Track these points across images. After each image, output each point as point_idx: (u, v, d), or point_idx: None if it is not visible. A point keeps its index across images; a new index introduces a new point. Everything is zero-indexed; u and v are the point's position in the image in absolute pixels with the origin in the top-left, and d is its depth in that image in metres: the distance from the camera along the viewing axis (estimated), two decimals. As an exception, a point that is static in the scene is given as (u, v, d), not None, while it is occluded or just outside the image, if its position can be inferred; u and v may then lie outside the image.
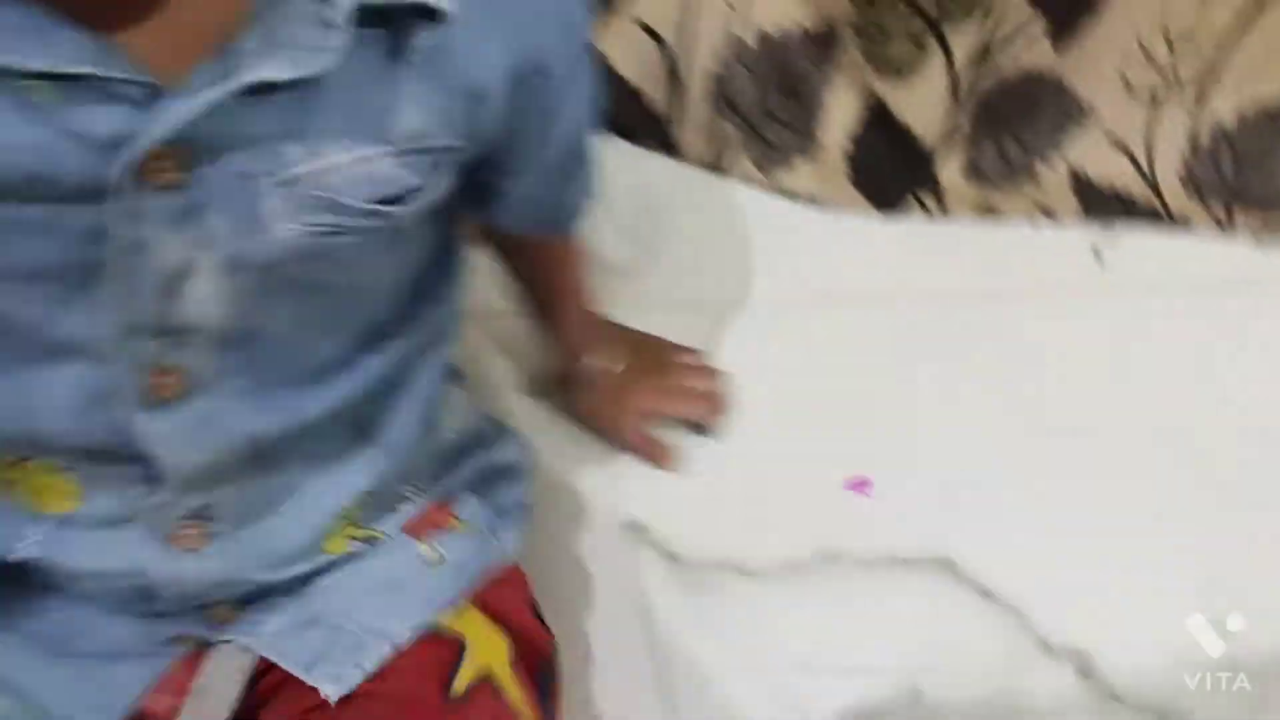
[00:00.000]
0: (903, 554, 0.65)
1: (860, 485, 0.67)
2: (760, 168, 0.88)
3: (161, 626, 0.53)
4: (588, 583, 0.68)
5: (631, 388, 0.71)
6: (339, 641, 0.54)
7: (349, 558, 0.56)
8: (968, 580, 0.64)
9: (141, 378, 0.46)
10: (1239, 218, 0.91)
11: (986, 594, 0.63)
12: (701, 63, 0.87)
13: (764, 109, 0.87)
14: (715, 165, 0.89)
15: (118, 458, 0.47)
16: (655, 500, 0.67)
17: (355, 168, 0.44)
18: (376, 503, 0.56)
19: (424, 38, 0.43)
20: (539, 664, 0.60)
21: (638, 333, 0.74)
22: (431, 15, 0.43)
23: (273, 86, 0.40)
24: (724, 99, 0.87)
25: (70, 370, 0.45)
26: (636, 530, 0.66)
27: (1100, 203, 0.90)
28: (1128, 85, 0.89)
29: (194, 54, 0.40)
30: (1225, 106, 0.90)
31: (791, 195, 0.88)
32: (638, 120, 0.89)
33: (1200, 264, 0.88)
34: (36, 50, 0.38)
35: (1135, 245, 0.87)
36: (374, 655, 0.54)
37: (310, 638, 0.54)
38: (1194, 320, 0.82)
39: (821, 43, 0.85)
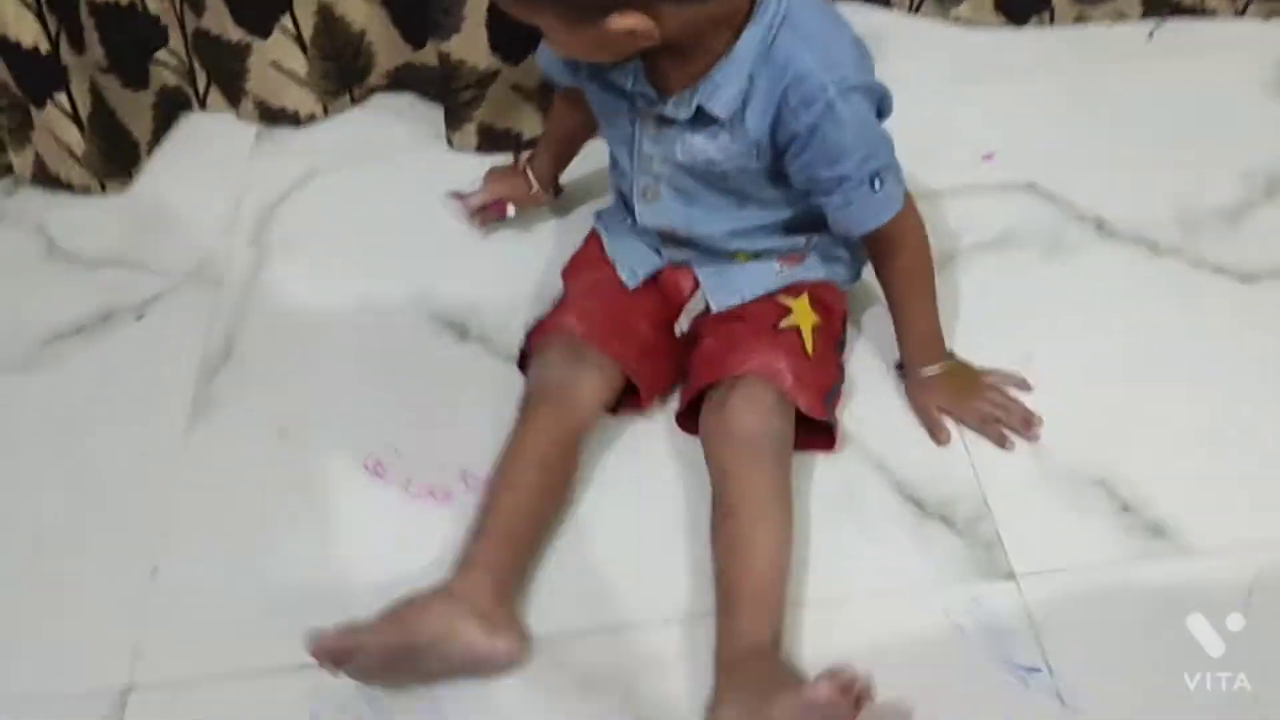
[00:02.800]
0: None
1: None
2: (939, 4, 1.48)
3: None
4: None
5: (937, 392, 1.03)
6: (724, 289, 1.10)
7: (743, 262, 1.06)
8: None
9: (641, 185, 1.01)
10: (1250, 6, 1.44)
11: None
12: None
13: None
14: (915, 10, 1.50)
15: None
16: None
17: (703, 150, 0.94)
18: (760, 249, 1.05)
19: (722, 120, 0.92)
20: (835, 337, 1.05)
21: (959, 363, 1.04)
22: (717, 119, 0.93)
23: (672, 119, 0.94)
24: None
25: (623, 179, 1.04)
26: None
27: (1155, 5, 1.45)
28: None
29: (667, 93, 0.93)
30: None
31: (962, 21, 1.48)
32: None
33: (1224, 32, 1.42)
34: (625, 79, 0.94)
35: (1175, 26, 1.43)
36: (733, 299, 1.04)
37: (717, 283, 1.09)
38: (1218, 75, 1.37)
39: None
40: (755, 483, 0.94)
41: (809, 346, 1.00)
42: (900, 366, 1.07)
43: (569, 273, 1.12)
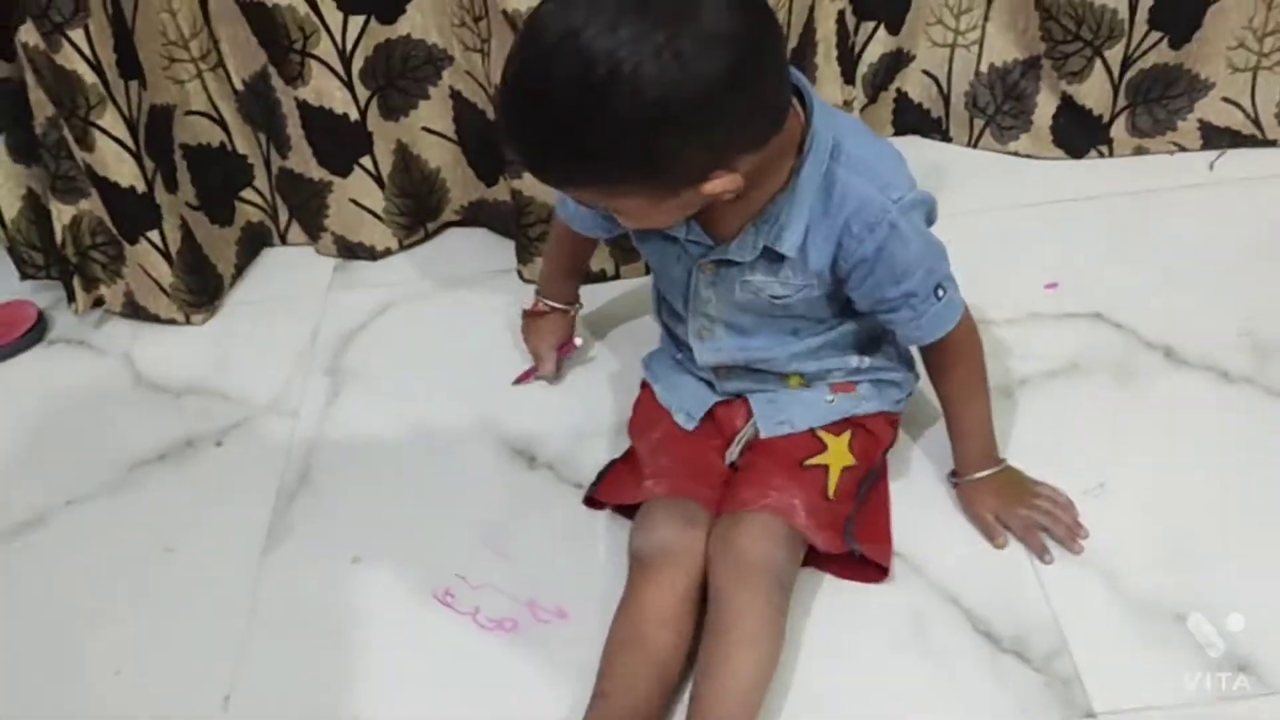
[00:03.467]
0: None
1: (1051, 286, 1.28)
2: (998, 140, 1.51)
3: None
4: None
5: (987, 495, 1.04)
6: (774, 418, 1.07)
7: (794, 389, 1.07)
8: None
9: (696, 327, 1.03)
10: (1312, 137, 1.46)
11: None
12: (960, 87, 1.51)
13: (999, 109, 1.50)
14: (974, 145, 1.53)
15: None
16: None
17: (767, 286, 0.95)
18: (812, 377, 1.06)
19: (789, 257, 0.93)
20: (866, 473, 1.04)
21: (1011, 470, 1.05)
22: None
23: (737, 263, 0.95)
24: (975, 104, 1.51)
25: (679, 322, 1.06)
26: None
27: (1216, 137, 1.47)
28: (1232, 66, 1.46)
29: (725, 239, 0.94)
30: (1299, 70, 1.45)
31: (1022, 155, 1.51)
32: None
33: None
34: (679, 229, 0.94)
35: (1235, 156, 1.44)
36: (783, 429, 1.05)
37: (769, 411, 1.11)
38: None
39: (1030, 65, 1.48)
40: (749, 608, 0.93)
41: (831, 488, 1.01)
42: (954, 475, 1.07)
43: (634, 430, 1.12)
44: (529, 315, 1.27)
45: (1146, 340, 1.21)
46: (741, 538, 0.97)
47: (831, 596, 1.01)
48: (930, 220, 0.96)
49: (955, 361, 1.01)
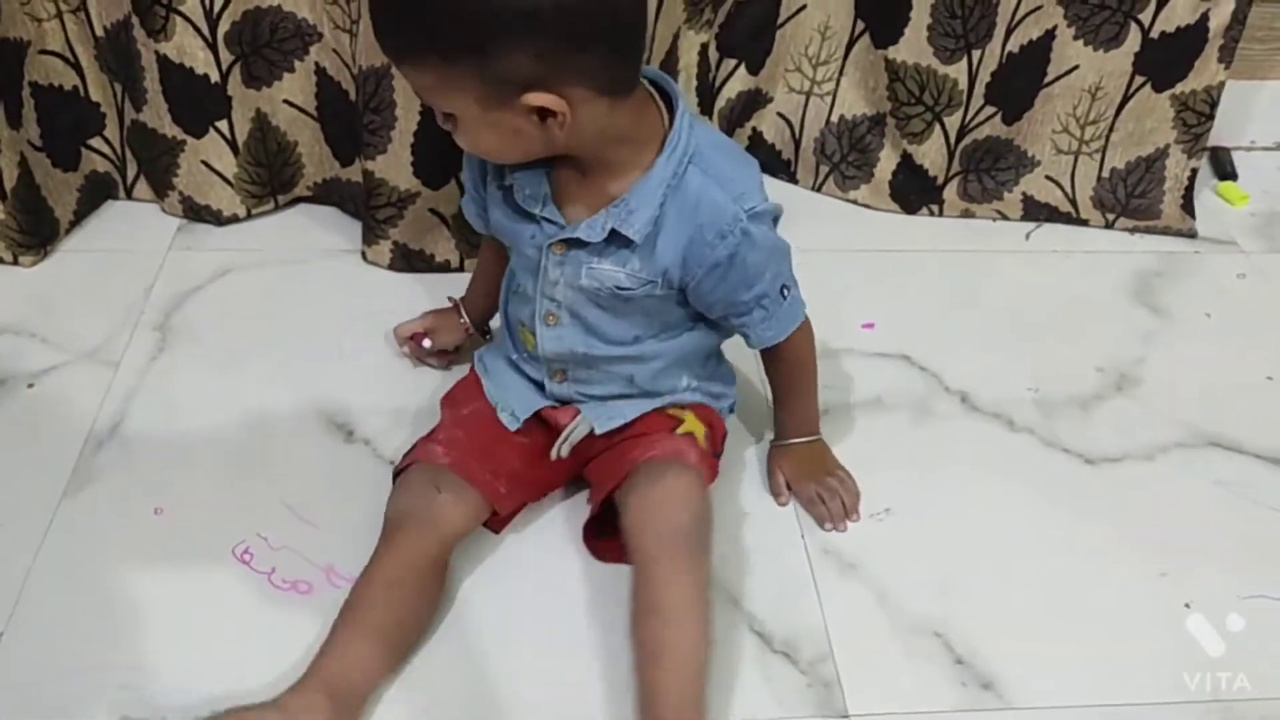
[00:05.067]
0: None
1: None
2: (840, 187, 1.60)
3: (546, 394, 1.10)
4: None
5: (787, 460, 1.14)
6: (604, 415, 1.06)
7: (624, 397, 1.08)
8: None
9: (542, 311, 1.02)
10: (1119, 221, 1.58)
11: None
12: (811, 133, 1.59)
13: (844, 159, 1.59)
14: (818, 189, 1.61)
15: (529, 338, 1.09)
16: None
17: (612, 275, 0.97)
18: (647, 390, 1.08)
19: (636, 243, 0.95)
20: (718, 442, 1.11)
21: (821, 446, 1.16)
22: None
23: (584, 243, 0.96)
24: (823, 151, 1.59)
25: (526, 304, 1.04)
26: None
27: (1035, 210, 1.58)
28: (1056, 147, 1.58)
29: (576, 220, 0.96)
30: (1116, 157, 1.58)
31: (860, 204, 1.59)
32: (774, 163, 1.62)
33: (1094, 241, 1.55)
34: (535, 204, 0.97)
35: (1051, 229, 1.56)
36: (614, 422, 1.06)
37: (599, 412, 1.12)
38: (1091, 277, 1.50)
39: (877, 122, 1.57)
40: (677, 579, 0.96)
41: (704, 445, 1.08)
42: (772, 442, 1.17)
43: (446, 401, 1.14)
44: (438, 312, 1.28)
45: (947, 385, 1.30)
46: (653, 502, 1.00)
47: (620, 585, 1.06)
48: (776, 225, 1.02)
49: (794, 355, 1.10)
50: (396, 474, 1.08)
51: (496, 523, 1.09)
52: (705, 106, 1.52)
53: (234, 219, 1.46)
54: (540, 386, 1.11)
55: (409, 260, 1.39)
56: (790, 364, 1.11)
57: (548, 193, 0.98)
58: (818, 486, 1.13)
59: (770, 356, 1.11)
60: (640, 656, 0.95)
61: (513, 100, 0.87)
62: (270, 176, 1.45)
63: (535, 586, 1.06)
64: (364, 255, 1.41)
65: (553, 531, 1.11)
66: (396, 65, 0.97)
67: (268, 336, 1.31)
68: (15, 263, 1.38)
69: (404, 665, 0.98)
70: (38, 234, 1.38)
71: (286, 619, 1.01)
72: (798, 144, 1.59)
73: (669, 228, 0.96)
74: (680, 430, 1.08)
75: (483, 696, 0.97)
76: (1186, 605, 1.07)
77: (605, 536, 1.07)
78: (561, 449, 1.07)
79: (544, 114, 0.88)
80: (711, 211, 0.95)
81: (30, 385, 1.23)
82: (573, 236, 0.97)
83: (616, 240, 0.97)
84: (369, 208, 1.37)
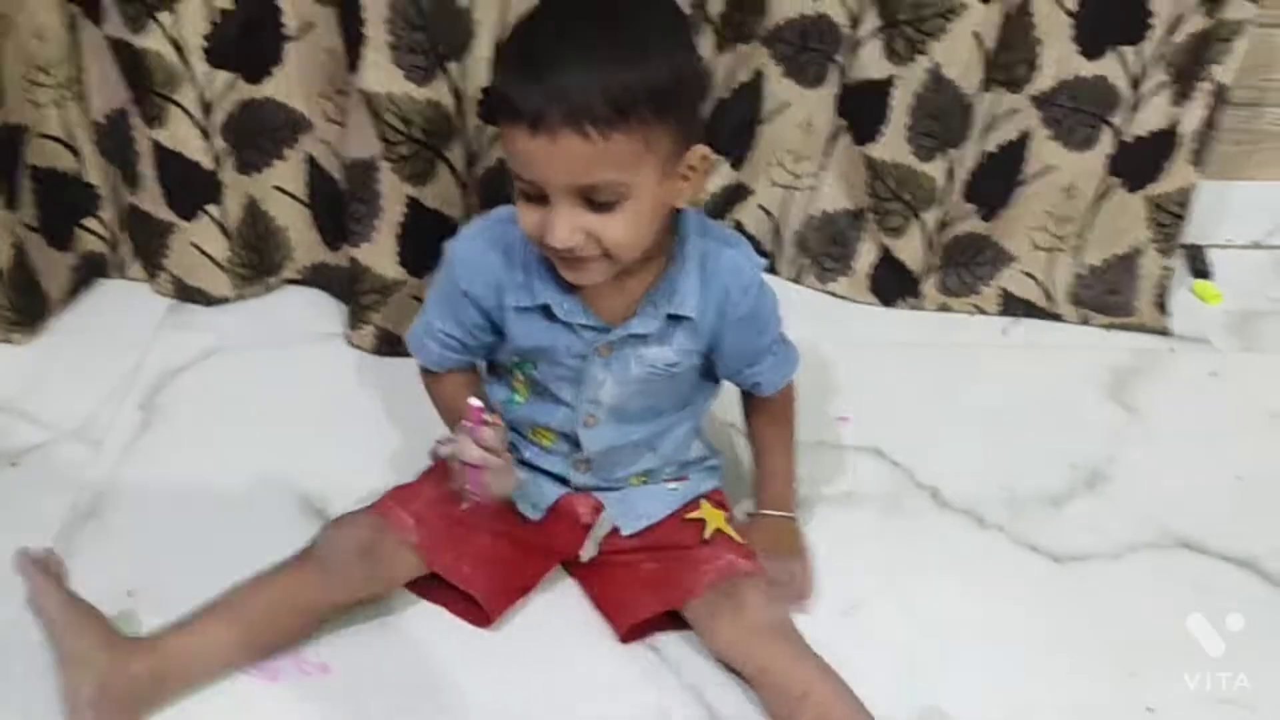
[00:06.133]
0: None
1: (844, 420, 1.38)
2: (819, 280, 1.62)
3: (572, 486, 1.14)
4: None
5: (761, 534, 1.16)
6: (630, 514, 1.13)
7: (636, 486, 1.14)
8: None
9: (583, 415, 1.06)
10: (1094, 318, 1.60)
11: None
12: (792, 226, 1.62)
13: (824, 252, 1.62)
14: (797, 281, 1.64)
15: (570, 440, 1.11)
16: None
17: (661, 355, 1.03)
18: (653, 475, 1.14)
19: (689, 318, 1.01)
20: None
21: (795, 528, 1.19)
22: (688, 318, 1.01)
23: (641, 335, 1.02)
24: (803, 244, 1.62)
25: (555, 411, 1.08)
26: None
27: (1013, 305, 1.61)
28: (1033, 244, 1.61)
29: (616, 317, 1.01)
30: (1092, 254, 1.61)
31: (839, 296, 1.62)
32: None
33: (1069, 337, 1.58)
34: (576, 315, 1.00)
35: (1027, 325, 1.58)
36: (642, 522, 1.12)
37: (622, 510, 1.15)
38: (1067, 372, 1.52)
39: (856, 216, 1.60)
40: (806, 661, 1.03)
41: (733, 535, 1.13)
42: (750, 513, 1.20)
43: (433, 474, 1.12)
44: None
45: (918, 480, 1.31)
46: (750, 613, 1.06)
47: (587, 679, 1.06)
48: None
49: (784, 405, 1.16)
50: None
51: (479, 616, 1.10)
52: (688, 198, 1.55)
53: (224, 300, 1.49)
54: (555, 478, 1.13)
55: (392, 345, 1.42)
56: (784, 412, 1.17)
57: (578, 302, 1.01)
58: (779, 569, 1.14)
59: (760, 413, 1.17)
60: None
61: (683, 154, 0.92)
62: (260, 259, 1.48)
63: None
64: (348, 339, 1.44)
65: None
66: (597, 132, 0.85)
67: (250, 417, 1.33)
68: (7, 340, 1.40)
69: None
70: (29, 312, 1.41)
71: (255, 704, 1.02)
72: (779, 236, 1.62)
73: (702, 296, 1.01)
74: (708, 533, 1.12)
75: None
76: (1149, 710, 1.08)
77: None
78: (589, 549, 1.12)
79: (686, 176, 0.93)
80: (732, 271, 1.02)
81: (13, 464, 1.25)
82: (630, 334, 1.01)
83: (668, 322, 1.01)
84: (354, 293, 1.40)
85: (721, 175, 1.57)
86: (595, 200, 0.89)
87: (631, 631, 1.10)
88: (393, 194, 1.31)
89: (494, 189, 1.35)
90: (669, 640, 1.11)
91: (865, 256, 1.60)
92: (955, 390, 1.46)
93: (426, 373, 1.13)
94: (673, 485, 1.15)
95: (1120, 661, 1.12)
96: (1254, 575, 1.23)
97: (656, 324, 1.00)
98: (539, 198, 0.91)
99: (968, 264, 1.60)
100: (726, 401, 1.21)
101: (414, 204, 1.31)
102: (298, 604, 1.05)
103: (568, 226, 0.89)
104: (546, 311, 1.01)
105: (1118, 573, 1.22)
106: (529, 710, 1.04)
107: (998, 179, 1.53)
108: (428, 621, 1.11)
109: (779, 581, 1.13)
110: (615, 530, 1.13)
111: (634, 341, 1.02)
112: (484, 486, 0.98)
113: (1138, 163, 1.51)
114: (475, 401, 0.96)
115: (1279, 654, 1.13)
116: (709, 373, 1.11)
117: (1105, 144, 1.49)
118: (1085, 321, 1.59)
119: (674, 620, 1.10)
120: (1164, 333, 1.58)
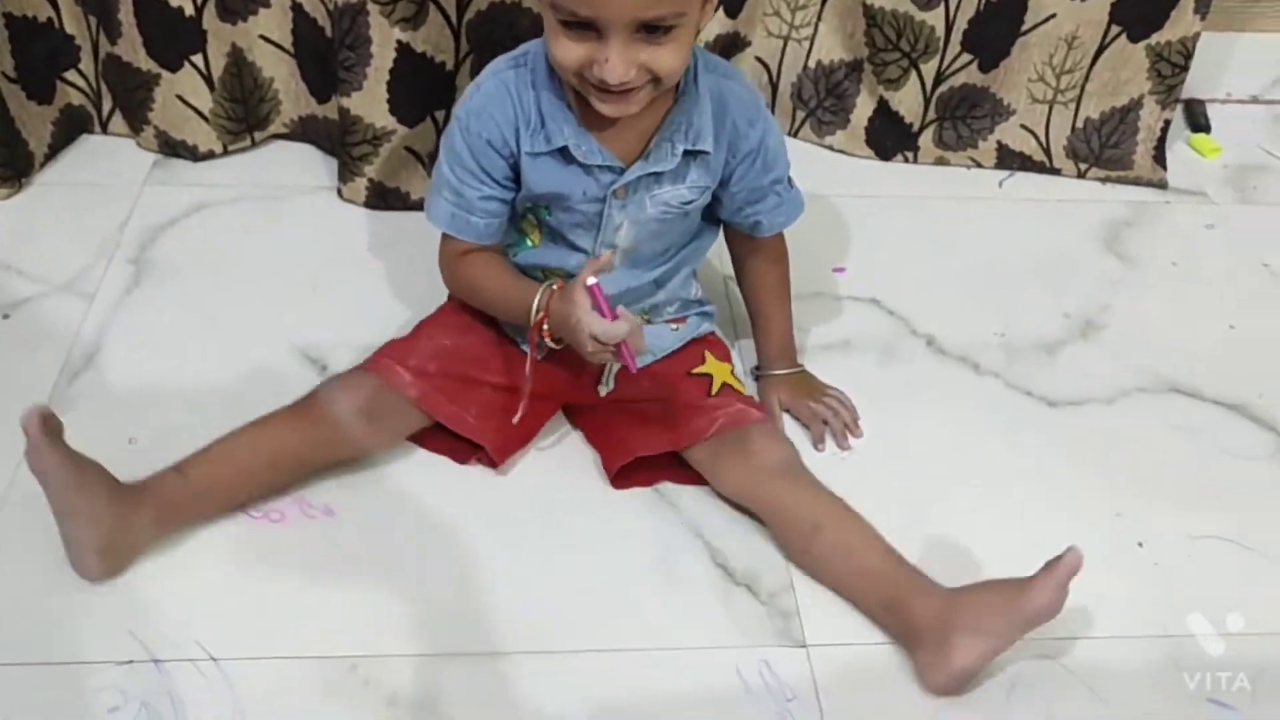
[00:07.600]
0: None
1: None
2: (816, 133, 1.60)
3: None
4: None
5: (784, 389, 1.17)
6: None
7: (645, 322, 1.11)
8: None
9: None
10: (1091, 171, 1.59)
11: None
12: (788, 78, 1.60)
13: (820, 104, 1.59)
14: (794, 135, 1.62)
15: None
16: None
17: (676, 194, 1.04)
18: (655, 314, 1.14)
19: (705, 152, 1.01)
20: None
21: (808, 374, 1.20)
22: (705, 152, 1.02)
23: (658, 174, 1.02)
24: (799, 96, 1.60)
25: (569, 258, 1.07)
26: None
27: (1009, 159, 1.59)
28: (1031, 96, 1.59)
29: (630, 156, 1.01)
30: (1090, 106, 1.59)
31: (836, 150, 1.60)
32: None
33: (1066, 190, 1.57)
34: (592, 156, 0.99)
35: (1023, 179, 1.57)
36: (649, 358, 1.10)
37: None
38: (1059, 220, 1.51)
39: (854, 68, 1.57)
40: (817, 495, 1.04)
41: (737, 385, 1.14)
42: (756, 369, 1.21)
43: (426, 328, 1.13)
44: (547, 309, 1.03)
45: (914, 328, 1.32)
46: (757, 458, 1.06)
47: (590, 521, 1.08)
48: None
49: (780, 256, 1.17)
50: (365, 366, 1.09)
51: (484, 457, 1.10)
52: (683, 49, 1.52)
53: (210, 155, 1.46)
54: None
55: (384, 198, 1.40)
56: (775, 266, 1.16)
57: (595, 142, 0.99)
58: (818, 406, 1.16)
59: (756, 262, 1.16)
60: (828, 570, 1.02)
61: None
62: (246, 112, 1.45)
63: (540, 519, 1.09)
64: (340, 192, 1.42)
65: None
66: None
67: (242, 271, 1.32)
68: (-10, 194, 1.38)
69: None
70: (13, 166, 1.38)
71: (259, 547, 1.03)
72: (775, 88, 1.59)
73: (714, 130, 1.01)
74: (715, 390, 1.12)
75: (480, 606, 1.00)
76: (1139, 544, 1.10)
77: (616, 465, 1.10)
78: (609, 383, 1.11)
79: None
80: (738, 104, 1.02)
81: (6, 316, 1.24)
82: (649, 172, 1.00)
83: (685, 157, 1.01)
84: (344, 144, 1.37)
85: (718, 22, 1.54)
86: (654, 30, 0.87)
87: (628, 478, 1.10)
88: (382, 39, 1.28)
89: (484, 32, 1.31)
90: (670, 488, 1.12)
91: (862, 109, 1.57)
92: (950, 242, 1.46)
93: (453, 261, 1.09)
94: (674, 326, 1.16)
95: (1109, 500, 1.14)
96: (1243, 419, 1.24)
97: (674, 161, 1.00)
98: (583, 29, 0.88)
99: (965, 117, 1.58)
100: (725, 256, 1.21)
101: (404, 49, 1.28)
102: (300, 458, 1.05)
103: (624, 62, 0.88)
104: (564, 155, 1.00)
105: (1111, 416, 1.23)
106: (536, 551, 1.05)
107: (997, 28, 1.50)
108: (429, 469, 1.11)
109: (820, 419, 1.16)
110: (622, 373, 1.12)
111: (649, 181, 1.02)
112: (634, 355, 0.97)
113: (1141, 10, 1.48)
114: (592, 279, 0.94)
115: (1270, 496, 1.16)
116: (710, 215, 1.11)
117: (1109, -10, 1.46)
118: (1082, 175, 1.59)
119: (673, 472, 1.11)
120: (1161, 186, 1.58)
